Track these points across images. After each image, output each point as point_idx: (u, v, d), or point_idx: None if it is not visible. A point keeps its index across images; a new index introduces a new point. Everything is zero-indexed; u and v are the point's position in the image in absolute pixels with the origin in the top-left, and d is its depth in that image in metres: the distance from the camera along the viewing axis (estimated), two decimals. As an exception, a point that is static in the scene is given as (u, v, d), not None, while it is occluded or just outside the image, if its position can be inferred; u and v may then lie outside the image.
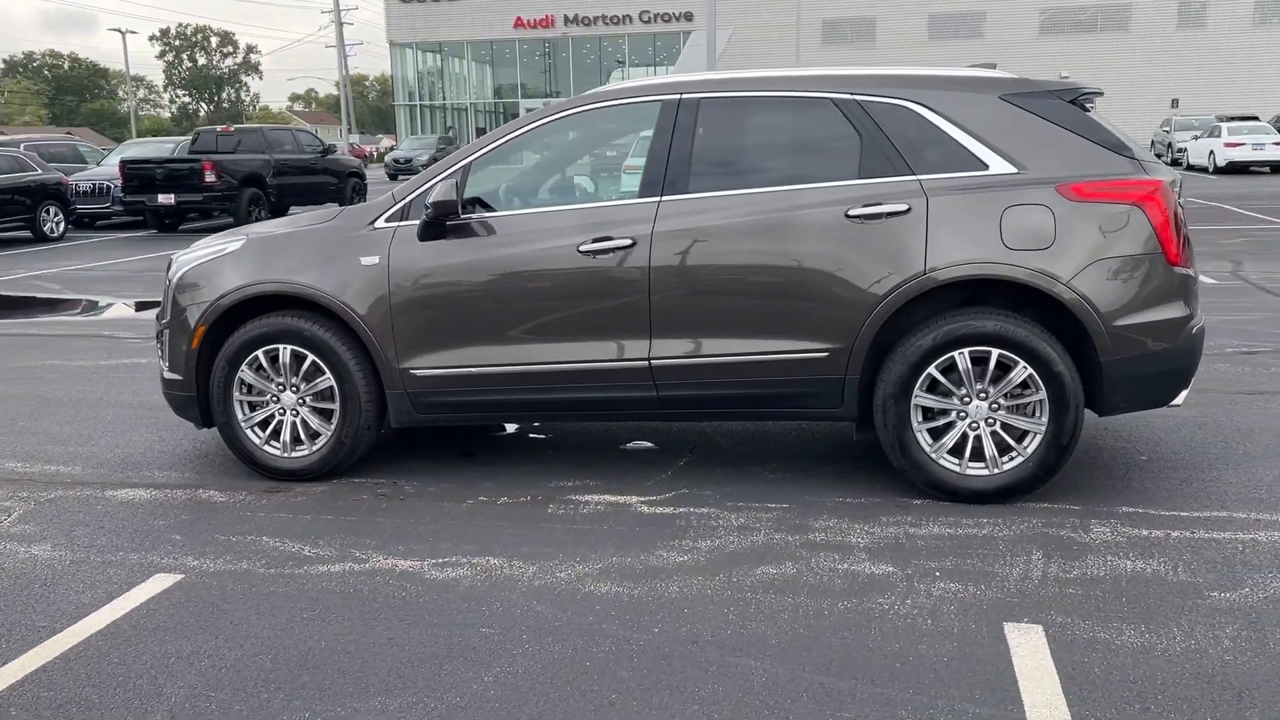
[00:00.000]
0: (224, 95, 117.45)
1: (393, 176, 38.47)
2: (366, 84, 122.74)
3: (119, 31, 61.03)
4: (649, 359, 4.44)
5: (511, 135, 4.69)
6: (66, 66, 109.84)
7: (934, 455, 4.30)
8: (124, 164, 18.60)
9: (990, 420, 4.25)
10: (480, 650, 3.16)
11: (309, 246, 4.71)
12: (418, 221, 4.59)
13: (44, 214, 17.86)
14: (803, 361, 4.35)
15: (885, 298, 4.23)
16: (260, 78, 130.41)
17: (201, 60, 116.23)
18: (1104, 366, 4.16)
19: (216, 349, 4.83)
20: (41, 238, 17.64)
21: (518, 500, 4.49)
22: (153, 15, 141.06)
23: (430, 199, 4.49)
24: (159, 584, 3.70)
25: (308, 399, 4.75)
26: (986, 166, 4.25)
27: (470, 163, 4.64)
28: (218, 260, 4.84)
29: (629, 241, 4.40)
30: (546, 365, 4.53)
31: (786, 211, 4.33)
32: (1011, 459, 4.26)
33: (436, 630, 3.30)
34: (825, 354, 4.32)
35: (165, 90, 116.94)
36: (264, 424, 4.82)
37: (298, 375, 4.73)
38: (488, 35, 54.01)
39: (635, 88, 4.68)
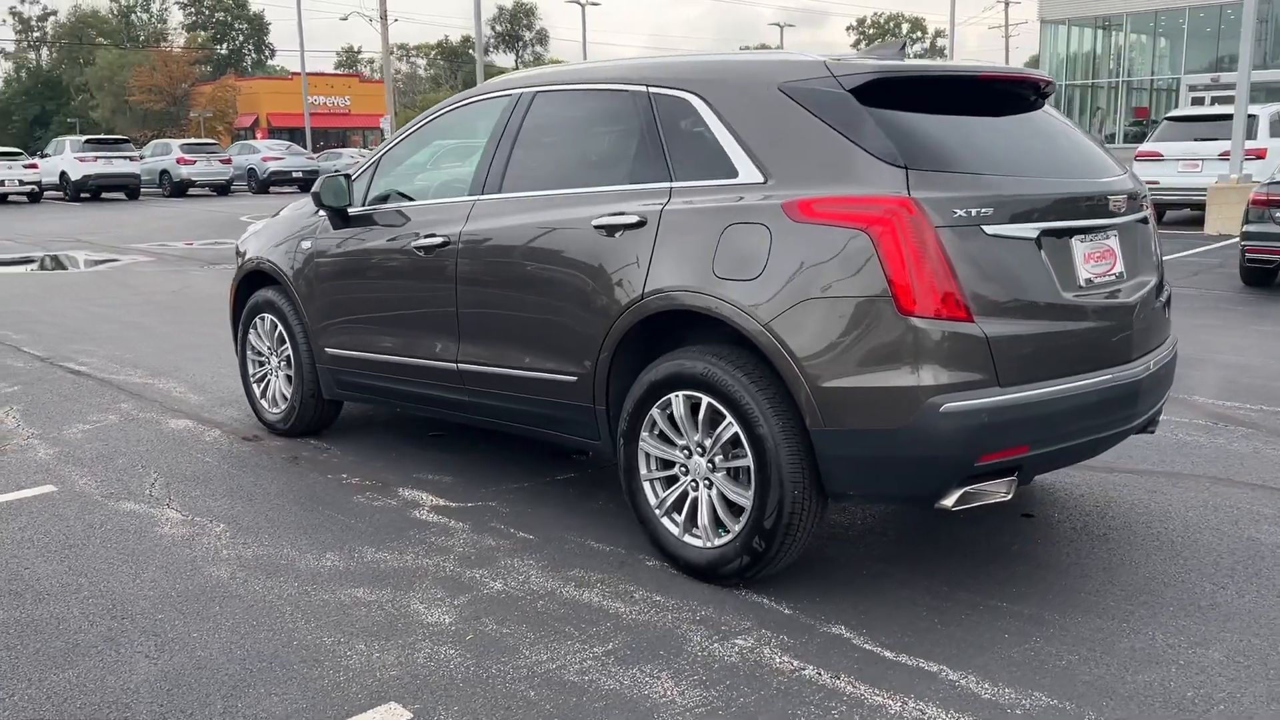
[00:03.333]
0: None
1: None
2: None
3: (778, 26, 65.99)
4: (457, 361, 4.36)
5: (410, 131, 4.84)
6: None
7: (659, 512, 3.65)
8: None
9: (708, 482, 3.49)
10: (36, 592, 3.56)
11: (285, 230, 5.35)
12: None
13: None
14: (559, 384, 3.95)
15: (613, 323, 3.68)
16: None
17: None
18: (814, 437, 3.19)
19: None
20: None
21: (360, 484, 4.70)
22: (865, 8, 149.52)
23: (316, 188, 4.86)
24: (34, 492, 4.66)
25: (281, 365, 5.42)
26: (736, 174, 3.46)
27: (380, 158, 4.90)
28: (249, 236, 5.70)
29: (443, 240, 4.35)
30: (398, 357, 4.66)
31: (555, 218, 3.95)
32: (722, 534, 3.46)
33: (56, 570, 3.75)
34: (575, 379, 3.89)
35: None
36: (261, 380, 5.60)
37: (273, 341, 5.43)
38: (1153, 5, 48.85)
39: (498, 81, 4.54)
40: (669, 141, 3.68)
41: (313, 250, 5.05)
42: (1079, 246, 3.37)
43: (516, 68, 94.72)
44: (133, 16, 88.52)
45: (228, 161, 32.73)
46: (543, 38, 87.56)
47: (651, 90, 3.79)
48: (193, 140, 35.64)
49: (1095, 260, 3.42)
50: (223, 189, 32.26)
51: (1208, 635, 3.13)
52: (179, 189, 31.57)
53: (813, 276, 3.16)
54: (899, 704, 2.77)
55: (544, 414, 4.08)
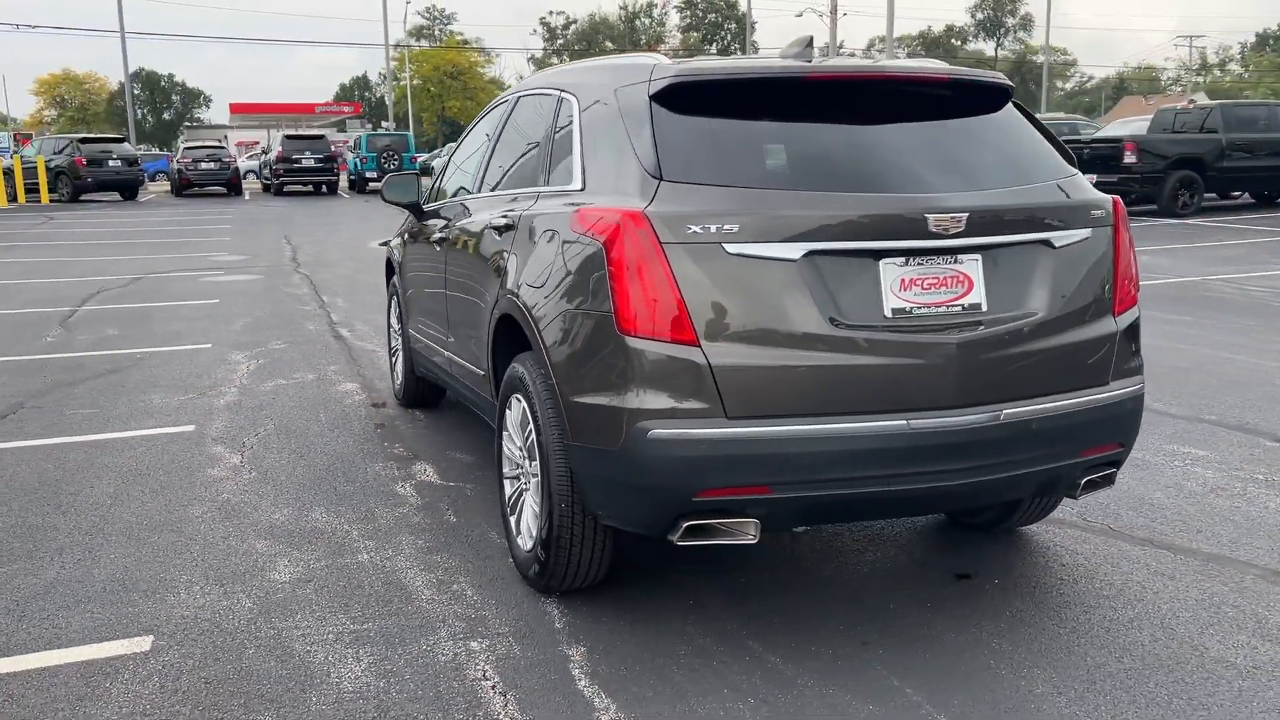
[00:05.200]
0: None
1: None
2: None
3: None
4: (445, 349, 4.67)
5: (469, 131, 5.19)
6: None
7: (509, 509, 3.72)
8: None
9: (529, 486, 3.51)
10: (69, 505, 4.40)
11: (403, 223, 5.95)
12: (427, 206, 5.48)
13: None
14: (477, 376, 4.14)
15: (488, 322, 3.80)
16: None
17: None
18: (568, 452, 3.11)
19: (395, 295, 6.42)
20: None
21: (397, 454, 5.16)
22: None
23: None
24: (174, 429, 5.64)
25: (396, 346, 6.06)
26: (571, 180, 3.42)
27: (452, 156, 5.31)
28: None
29: (442, 236, 4.67)
30: (432, 343, 5.06)
31: (482, 218, 4.13)
32: (531, 539, 3.46)
33: (103, 491, 4.58)
34: (482, 373, 4.05)
35: None
36: (394, 354, 6.29)
37: (395, 320, 6.08)
38: None
39: (520, 84, 4.71)
40: (555, 145, 3.70)
41: (403, 243, 5.61)
42: (891, 271, 2.91)
43: (995, 57, 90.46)
44: (637, 21, 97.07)
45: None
46: (1027, 23, 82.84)
47: (560, 94, 3.83)
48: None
49: (924, 288, 2.93)
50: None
51: (948, 740, 2.63)
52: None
53: (570, 289, 3.08)
54: (515, 732, 2.68)
55: (480, 404, 4.28)
